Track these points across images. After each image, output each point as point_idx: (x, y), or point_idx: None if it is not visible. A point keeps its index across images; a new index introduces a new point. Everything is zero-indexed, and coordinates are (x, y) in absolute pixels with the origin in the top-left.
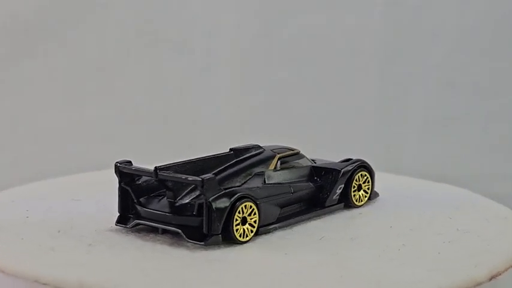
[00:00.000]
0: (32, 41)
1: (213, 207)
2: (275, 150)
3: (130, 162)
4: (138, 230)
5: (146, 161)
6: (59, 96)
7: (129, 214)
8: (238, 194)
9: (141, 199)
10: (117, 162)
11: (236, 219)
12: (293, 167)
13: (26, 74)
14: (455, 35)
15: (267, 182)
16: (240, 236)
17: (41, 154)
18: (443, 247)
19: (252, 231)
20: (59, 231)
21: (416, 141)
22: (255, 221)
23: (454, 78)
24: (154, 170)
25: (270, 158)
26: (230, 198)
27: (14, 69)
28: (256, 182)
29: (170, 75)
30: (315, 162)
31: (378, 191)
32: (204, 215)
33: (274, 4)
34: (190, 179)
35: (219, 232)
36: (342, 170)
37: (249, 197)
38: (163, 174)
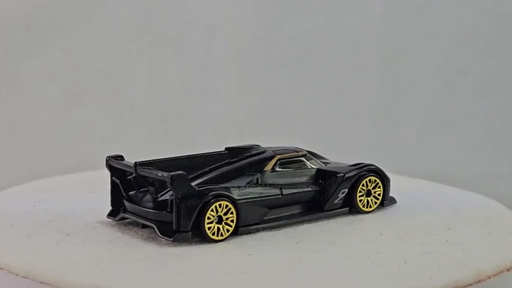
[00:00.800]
0: (32, 41)
1: (182, 204)
2: (277, 151)
3: (121, 156)
4: (126, 223)
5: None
6: (59, 96)
7: (120, 207)
8: (212, 193)
9: (130, 193)
10: (108, 156)
11: (209, 218)
12: (294, 169)
13: (26, 74)
14: (456, 35)
15: (259, 183)
16: (213, 234)
17: (41, 154)
18: (414, 257)
19: (228, 231)
20: (49, 221)
21: (417, 141)
22: (232, 221)
23: (454, 79)
24: (134, 164)
25: (267, 159)
26: (202, 196)
27: (14, 69)
28: (241, 182)
29: (170, 75)
30: (326, 165)
31: (394, 197)
32: (174, 211)
33: (274, 4)
34: (160, 174)
35: (189, 229)
36: (345, 174)
37: (224, 196)
38: (141, 169)
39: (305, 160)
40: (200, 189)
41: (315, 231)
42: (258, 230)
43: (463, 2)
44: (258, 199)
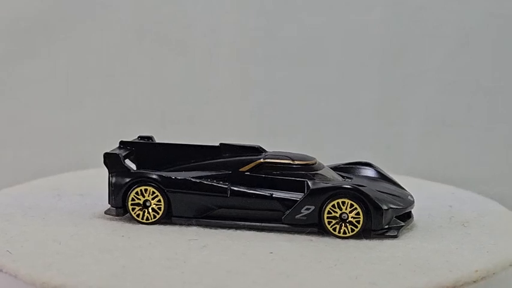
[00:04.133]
0: (32, 41)
1: (112, 181)
2: (268, 156)
3: (151, 137)
4: None
5: None
6: (59, 96)
7: None
8: (139, 177)
9: None
10: (139, 136)
11: (133, 199)
12: (282, 176)
13: (26, 74)
14: (457, 35)
15: (227, 182)
16: (137, 216)
17: (41, 154)
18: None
19: (155, 216)
20: (58, 195)
21: (417, 141)
22: (159, 208)
23: (455, 78)
24: (119, 142)
25: (246, 161)
26: (128, 178)
27: (14, 69)
28: (192, 175)
29: (170, 75)
30: (345, 179)
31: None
32: (107, 186)
33: (275, 4)
34: (104, 153)
35: (117, 206)
36: (311, 190)
37: (152, 183)
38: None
39: (308, 170)
40: (133, 171)
41: (236, 239)
42: (191, 224)
43: (463, 2)
44: (195, 194)
